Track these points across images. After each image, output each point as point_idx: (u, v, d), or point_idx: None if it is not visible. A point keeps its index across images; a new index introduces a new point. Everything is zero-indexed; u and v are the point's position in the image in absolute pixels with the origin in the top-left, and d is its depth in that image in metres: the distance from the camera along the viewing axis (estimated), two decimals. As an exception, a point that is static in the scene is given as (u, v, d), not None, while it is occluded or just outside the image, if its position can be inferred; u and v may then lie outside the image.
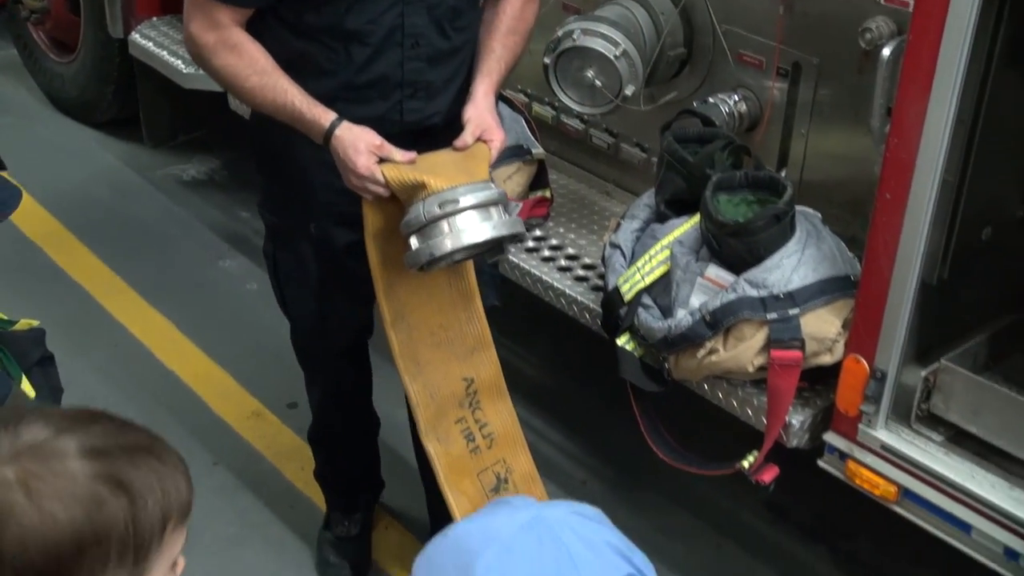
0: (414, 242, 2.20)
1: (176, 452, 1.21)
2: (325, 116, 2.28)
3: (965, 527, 2.32)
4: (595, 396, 3.60)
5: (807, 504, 3.29)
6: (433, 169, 2.25)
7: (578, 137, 3.45)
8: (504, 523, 1.07)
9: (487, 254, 2.39)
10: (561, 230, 3.27)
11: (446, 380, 2.46)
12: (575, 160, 3.55)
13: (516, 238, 2.30)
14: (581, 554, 1.02)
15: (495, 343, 2.53)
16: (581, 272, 3.07)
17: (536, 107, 3.49)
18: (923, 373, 2.39)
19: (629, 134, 3.32)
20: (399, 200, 2.26)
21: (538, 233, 3.23)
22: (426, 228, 2.18)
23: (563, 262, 3.11)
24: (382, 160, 2.26)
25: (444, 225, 2.18)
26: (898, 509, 2.43)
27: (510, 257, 3.12)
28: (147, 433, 1.19)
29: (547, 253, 3.15)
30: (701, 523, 3.29)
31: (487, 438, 2.52)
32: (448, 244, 2.18)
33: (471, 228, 2.19)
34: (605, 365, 2.75)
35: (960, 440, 2.40)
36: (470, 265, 2.44)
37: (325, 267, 2.54)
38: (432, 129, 2.41)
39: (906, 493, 2.40)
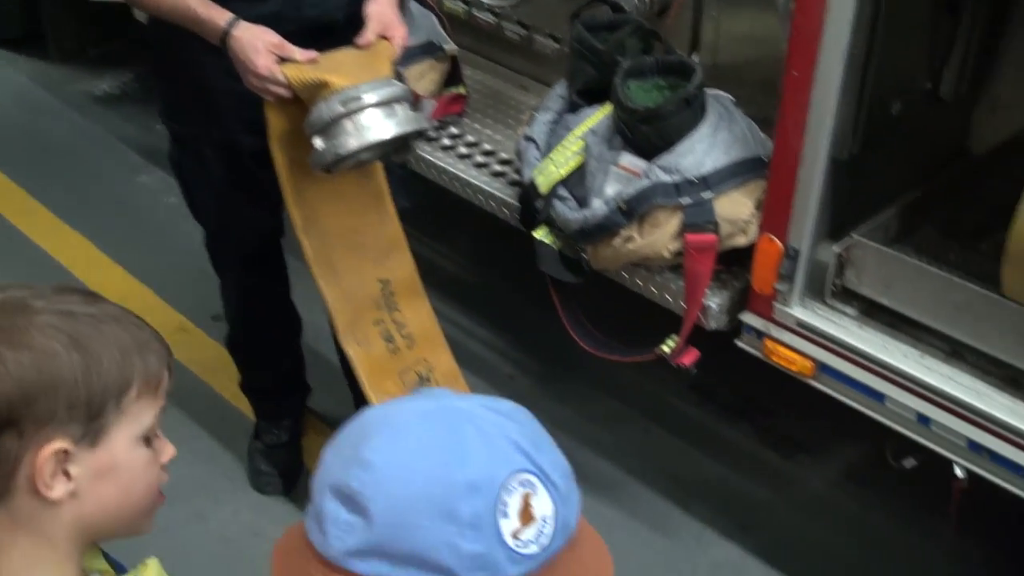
0: (318, 143, 2.16)
1: (154, 332, 1.22)
2: (221, 16, 2.22)
3: (879, 397, 2.37)
4: (520, 291, 3.61)
5: (731, 384, 3.35)
6: (335, 68, 2.20)
7: (490, 31, 3.39)
8: (406, 409, 1.05)
9: (394, 153, 2.36)
10: (477, 126, 3.24)
11: (361, 283, 2.44)
12: (488, 55, 3.50)
13: (421, 134, 2.27)
14: (474, 446, 0.99)
15: (418, 243, 2.51)
16: (498, 167, 3.04)
17: (447, 2, 3.43)
18: (835, 249, 2.41)
19: (541, 25, 3.27)
20: (302, 101, 2.21)
21: (454, 130, 3.20)
22: (329, 128, 2.14)
23: (480, 158, 3.08)
24: (283, 60, 2.21)
25: (348, 124, 2.14)
26: (815, 383, 2.47)
27: (427, 156, 3.09)
28: (122, 309, 1.20)
29: (463, 150, 3.12)
30: (629, 409, 3.34)
31: (406, 338, 2.51)
32: (353, 143, 2.14)
33: (375, 126, 2.15)
34: (528, 260, 2.75)
35: (873, 313, 2.43)
36: (379, 166, 2.41)
37: (231, 173, 2.50)
38: (332, 26, 2.35)
39: (822, 367, 2.44)
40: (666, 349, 2.59)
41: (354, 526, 0.98)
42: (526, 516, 0.98)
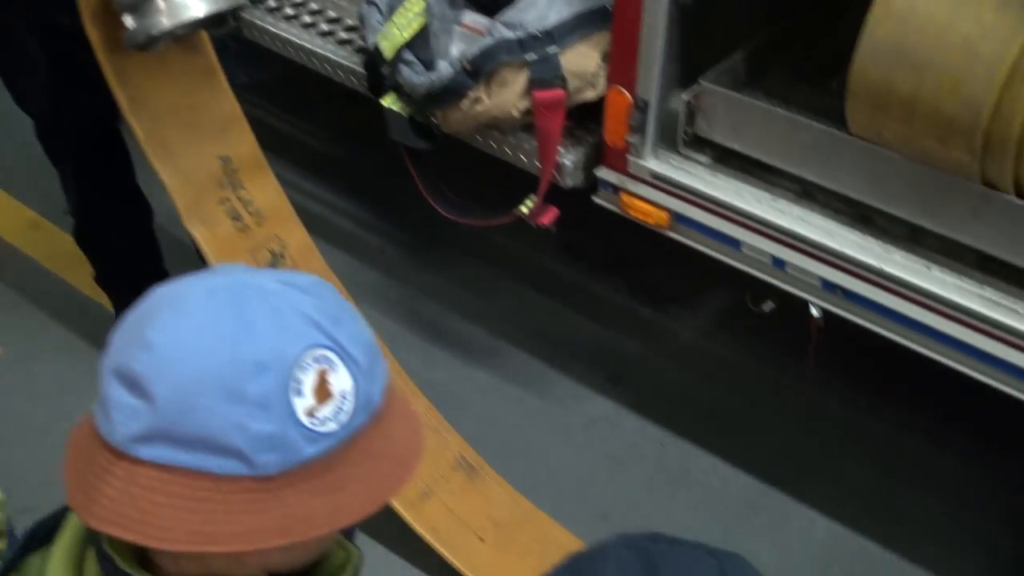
0: (129, 21, 2.04)
1: None
2: None
3: (735, 243, 2.37)
4: (385, 162, 3.53)
5: (602, 241, 3.34)
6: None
7: None
8: (192, 287, 0.99)
9: (212, 28, 2.24)
10: (320, -8, 3.11)
11: (201, 161, 2.35)
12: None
13: (238, 9, 2.16)
14: (262, 322, 0.94)
15: (275, 118, 2.42)
16: (344, 35, 2.93)
17: None
18: (684, 97, 2.38)
19: None
20: (113, -25, 2.09)
21: (296, -1, 3.07)
22: (140, 6, 2.02)
23: (324, 26, 2.96)
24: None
25: (159, 1, 2.02)
26: (672, 234, 2.47)
27: (270, 27, 2.96)
28: None
29: (307, 19, 2.99)
30: (499, 273, 3.32)
31: (254, 215, 2.44)
32: (164, 22, 2.03)
33: (188, 3, 2.04)
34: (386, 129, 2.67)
35: (726, 160, 2.42)
36: (206, 42, 2.30)
37: (53, 57, 2.37)
38: None
39: (678, 218, 2.43)
40: (524, 210, 2.56)
41: (138, 410, 0.93)
42: (322, 393, 0.94)
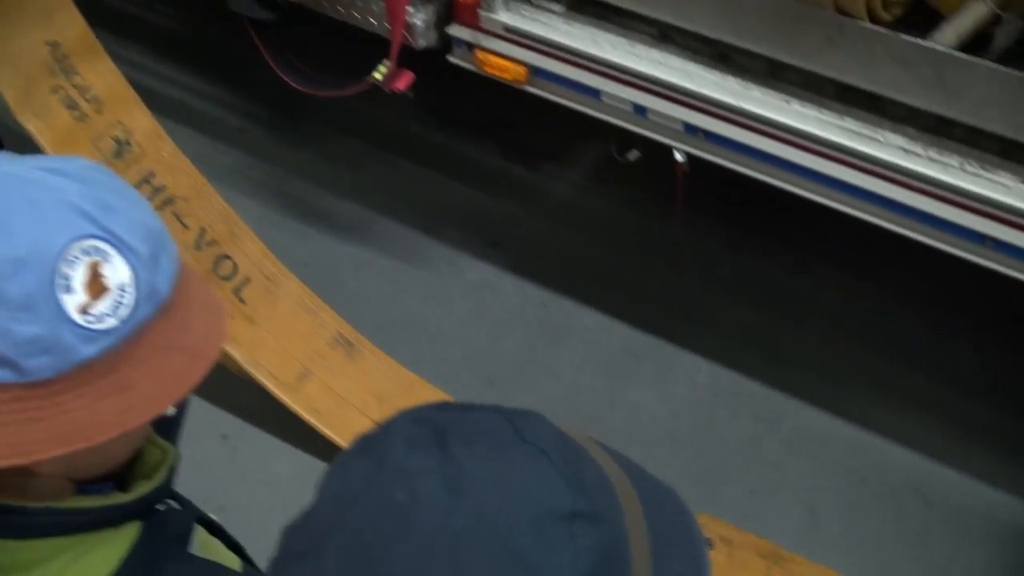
0: None
1: None
2: None
3: (595, 93, 2.32)
4: (237, 37, 3.38)
5: (472, 103, 3.26)
6: None
7: None
8: None
9: None
10: None
11: (27, 49, 2.21)
12: None
13: None
14: (18, 216, 0.83)
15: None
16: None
17: None
18: (531, -57, 2.29)
19: None
20: None
21: None
22: None
23: None
24: None
25: None
26: (531, 89, 2.40)
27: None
28: None
29: None
30: (369, 145, 3.23)
31: (92, 102, 2.31)
32: None
33: None
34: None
35: (580, 7, 2.35)
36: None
37: None
38: None
39: (536, 71, 2.36)
40: (378, 76, 2.46)
41: None
42: (96, 288, 0.85)
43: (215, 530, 1.10)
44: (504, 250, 2.96)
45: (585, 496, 0.64)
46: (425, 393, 2.57)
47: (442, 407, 0.71)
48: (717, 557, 2.32)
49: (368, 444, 0.69)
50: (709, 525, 2.35)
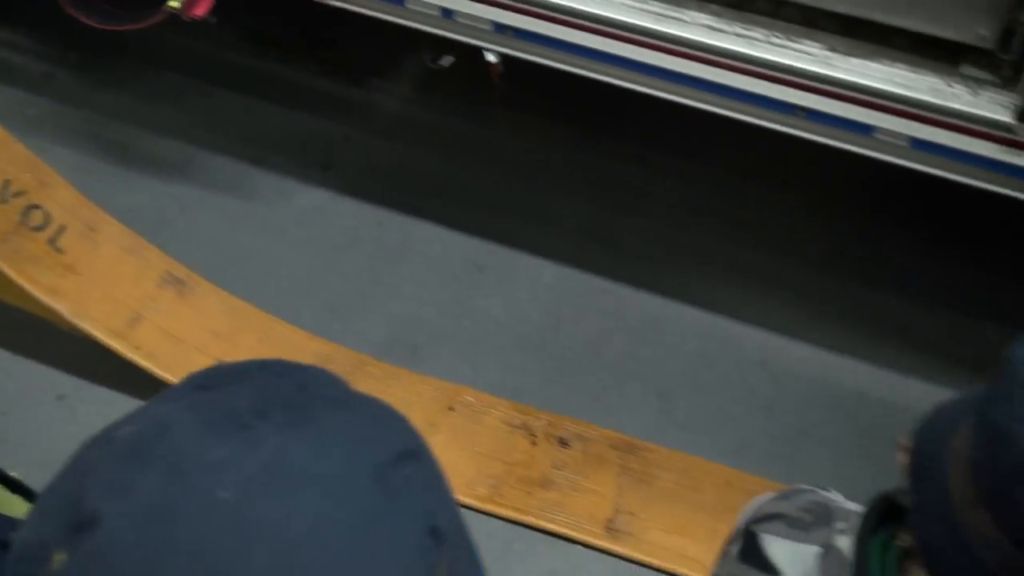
0: None
1: None
2: None
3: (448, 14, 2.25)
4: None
5: (287, 25, 3.16)
6: None
7: None
8: None
9: None
10: None
11: None
12: None
13: None
14: None
15: None
16: None
17: None
18: None
19: None
20: None
21: None
22: None
23: None
24: None
25: None
26: (334, 2, 2.32)
27: None
28: None
29: None
30: (186, 78, 3.11)
31: None
32: None
33: None
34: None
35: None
36: None
37: None
38: None
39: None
40: (175, 4, 2.35)
41: None
42: None
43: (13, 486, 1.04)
44: (335, 172, 2.89)
45: (398, 434, 0.62)
46: (263, 323, 2.51)
47: (201, 385, 0.64)
48: (572, 455, 2.33)
49: (137, 451, 0.60)
50: (565, 424, 2.36)
